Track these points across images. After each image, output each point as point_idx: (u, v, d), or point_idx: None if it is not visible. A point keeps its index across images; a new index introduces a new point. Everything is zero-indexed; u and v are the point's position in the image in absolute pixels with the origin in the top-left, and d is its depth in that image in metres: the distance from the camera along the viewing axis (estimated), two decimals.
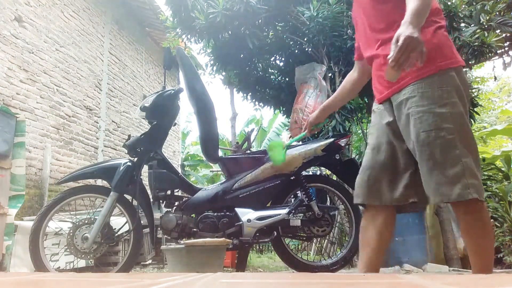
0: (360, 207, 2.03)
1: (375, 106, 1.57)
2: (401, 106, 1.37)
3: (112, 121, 6.41)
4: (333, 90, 3.77)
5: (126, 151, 2.25)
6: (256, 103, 4.89)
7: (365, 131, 5.07)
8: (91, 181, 4.37)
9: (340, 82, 3.72)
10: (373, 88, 1.57)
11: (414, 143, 1.33)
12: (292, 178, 2.33)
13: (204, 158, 3.66)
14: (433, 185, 1.29)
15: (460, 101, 1.31)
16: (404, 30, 1.14)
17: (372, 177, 1.46)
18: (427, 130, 1.29)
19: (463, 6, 3.52)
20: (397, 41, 1.13)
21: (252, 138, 4.16)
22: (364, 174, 1.49)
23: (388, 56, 1.15)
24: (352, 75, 1.75)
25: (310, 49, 4.01)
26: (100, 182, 4.55)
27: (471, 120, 3.63)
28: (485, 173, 4.69)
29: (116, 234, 2.19)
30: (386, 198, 1.43)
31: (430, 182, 1.30)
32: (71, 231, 2.06)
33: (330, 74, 3.89)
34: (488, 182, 4.59)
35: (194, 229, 2.19)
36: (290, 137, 4.04)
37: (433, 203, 1.33)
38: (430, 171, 1.30)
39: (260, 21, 3.95)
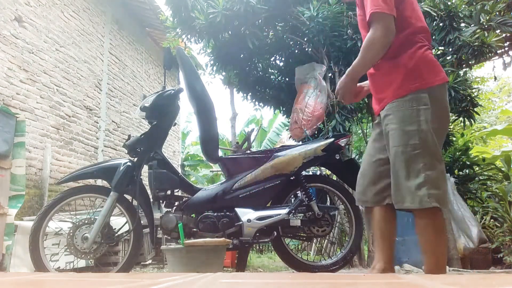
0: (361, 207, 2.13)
1: (376, 119, 1.78)
2: (383, 122, 1.58)
3: (112, 121, 6.41)
4: (333, 90, 3.77)
5: (126, 151, 2.24)
6: (256, 103, 4.88)
7: (365, 131, 5.07)
8: (91, 181, 4.37)
9: None
10: None
11: (389, 156, 1.55)
12: (292, 178, 2.33)
13: (204, 158, 3.65)
14: (399, 194, 1.48)
15: (427, 119, 1.47)
16: (342, 83, 1.63)
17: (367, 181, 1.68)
18: (396, 145, 1.49)
19: (463, 6, 3.51)
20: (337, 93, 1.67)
21: (252, 138, 4.16)
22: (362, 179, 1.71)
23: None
24: None
25: (310, 49, 4.00)
26: (100, 182, 4.55)
27: (471, 120, 3.63)
28: (485, 173, 4.69)
29: (116, 234, 2.18)
30: (373, 199, 1.64)
31: (396, 191, 1.49)
32: (71, 231, 2.06)
33: (330, 74, 3.88)
34: (488, 182, 4.59)
35: (194, 229, 2.19)
36: (290, 137, 4.04)
37: (398, 209, 1.52)
38: (396, 181, 1.49)
39: (260, 21, 3.95)
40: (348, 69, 1.58)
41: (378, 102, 1.62)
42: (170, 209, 2.25)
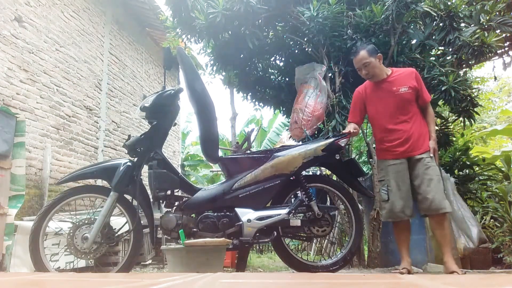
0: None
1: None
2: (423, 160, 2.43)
3: (112, 121, 6.40)
4: (333, 90, 3.77)
5: (126, 151, 2.24)
6: (256, 103, 4.88)
7: (365, 131, 5.07)
8: (91, 181, 4.37)
9: (340, 82, 3.74)
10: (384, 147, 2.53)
11: None
12: (292, 178, 2.33)
13: (204, 158, 3.65)
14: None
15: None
16: (434, 145, 2.40)
17: None
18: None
19: (463, 6, 3.51)
20: (434, 150, 2.38)
21: (252, 138, 4.15)
22: None
23: (431, 154, 2.39)
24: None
25: (310, 49, 4.00)
26: (100, 182, 4.55)
27: (471, 120, 3.63)
28: (485, 173, 4.69)
29: (116, 234, 2.18)
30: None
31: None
32: (71, 231, 2.06)
33: (330, 74, 3.88)
34: (488, 182, 4.59)
35: (194, 229, 2.19)
36: (290, 137, 4.04)
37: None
38: None
39: (260, 21, 3.95)
40: (434, 135, 2.43)
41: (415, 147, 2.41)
42: (170, 209, 2.25)
